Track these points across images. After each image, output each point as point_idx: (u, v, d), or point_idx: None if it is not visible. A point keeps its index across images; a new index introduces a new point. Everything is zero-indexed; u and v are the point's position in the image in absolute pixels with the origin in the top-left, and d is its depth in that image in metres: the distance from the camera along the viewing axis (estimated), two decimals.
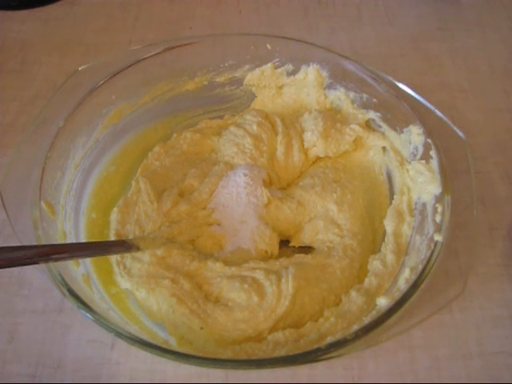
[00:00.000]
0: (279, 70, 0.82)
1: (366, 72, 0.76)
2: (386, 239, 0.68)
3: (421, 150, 0.70)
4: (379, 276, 0.64)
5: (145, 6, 1.09)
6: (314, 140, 0.77)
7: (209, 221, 0.72)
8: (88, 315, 0.54)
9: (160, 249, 0.67)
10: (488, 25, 1.05)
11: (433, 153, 0.68)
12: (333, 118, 0.79)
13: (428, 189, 0.67)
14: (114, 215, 0.71)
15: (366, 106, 0.78)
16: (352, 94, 0.79)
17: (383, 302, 0.58)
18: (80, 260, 0.63)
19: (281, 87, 0.85)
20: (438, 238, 0.60)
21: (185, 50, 0.78)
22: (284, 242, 0.74)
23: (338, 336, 0.56)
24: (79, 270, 0.63)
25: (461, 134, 0.69)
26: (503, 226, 0.76)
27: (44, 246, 0.58)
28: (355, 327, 0.56)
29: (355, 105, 0.79)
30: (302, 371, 0.63)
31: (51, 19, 1.06)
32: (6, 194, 0.60)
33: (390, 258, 0.65)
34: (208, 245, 0.71)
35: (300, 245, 0.73)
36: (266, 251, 0.70)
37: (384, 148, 0.77)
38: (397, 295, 0.57)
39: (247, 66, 0.82)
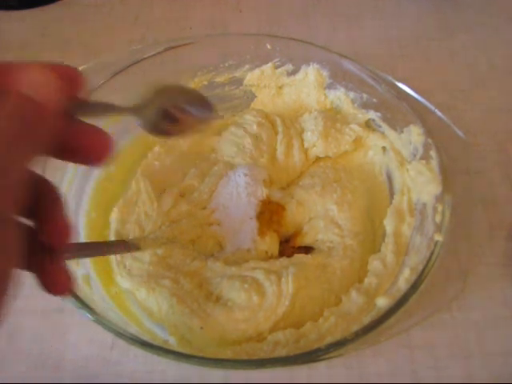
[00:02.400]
0: (279, 69, 0.82)
1: (366, 72, 0.76)
2: (385, 239, 0.68)
3: (421, 149, 0.70)
4: (379, 276, 0.64)
5: (145, 5, 1.09)
6: (314, 140, 0.77)
7: (209, 221, 0.72)
8: (88, 315, 0.54)
9: (160, 249, 0.67)
10: (488, 25, 1.05)
11: (433, 153, 0.67)
12: (333, 117, 0.79)
13: (428, 189, 0.66)
14: (114, 215, 0.71)
15: (365, 105, 0.78)
16: (352, 94, 0.79)
17: (383, 302, 0.58)
18: (80, 260, 0.63)
19: (281, 87, 0.85)
20: (438, 237, 0.60)
21: (185, 49, 0.78)
22: (284, 242, 0.74)
23: (338, 336, 0.56)
24: (79, 269, 0.63)
25: (461, 133, 0.69)
26: (503, 226, 0.75)
27: None
28: (355, 327, 0.56)
29: (355, 105, 0.79)
30: (302, 371, 0.63)
31: (51, 19, 1.06)
32: None
33: (389, 257, 0.65)
34: (208, 245, 0.71)
35: (300, 245, 0.73)
36: (266, 251, 0.70)
37: (384, 148, 0.77)
38: (397, 295, 0.57)
39: (247, 66, 0.82)
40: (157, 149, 0.79)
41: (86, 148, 0.36)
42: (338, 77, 0.80)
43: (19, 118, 0.30)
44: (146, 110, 0.44)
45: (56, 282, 0.38)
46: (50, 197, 0.39)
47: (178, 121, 0.47)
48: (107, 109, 0.40)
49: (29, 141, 0.30)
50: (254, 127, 0.79)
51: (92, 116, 0.39)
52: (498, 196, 0.79)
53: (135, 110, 0.44)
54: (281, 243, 0.72)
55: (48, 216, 0.38)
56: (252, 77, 0.83)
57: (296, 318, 0.63)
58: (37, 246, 0.38)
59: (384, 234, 0.69)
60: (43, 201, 0.38)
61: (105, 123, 0.75)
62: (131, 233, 0.70)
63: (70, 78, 0.35)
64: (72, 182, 0.70)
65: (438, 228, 0.61)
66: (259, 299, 0.62)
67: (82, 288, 0.59)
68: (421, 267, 0.58)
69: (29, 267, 0.37)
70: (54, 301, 0.68)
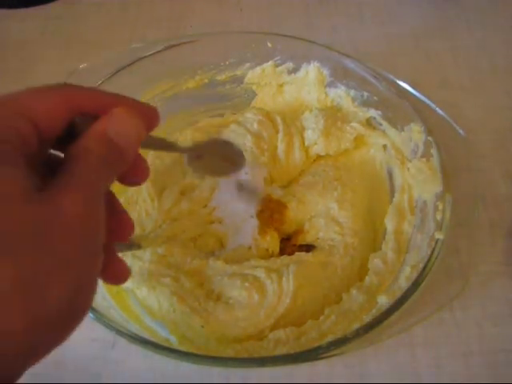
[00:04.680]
0: (280, 68, 0.82)
1: (367, 70, 0.76)
2: (386, 237, 0.68)
3: (421, 147, 0.70)
4: (380, 274, 0.64)
5: (145, 4, 1.09)
6: (314, 138, 0.77)
7: (210, 219, 0.72)
8: (89, 313, 0.54)
9: (161, 247, 0.67)
10: (489, 24, 1.05)
11: (433, 151, 0.67)
12: (333, 116, 0.78)
13: (429, 187, 0.66)
14: None
15: (366, 104, 0.78)
16: (353, 92, 0.79)
17: (384, 300, 0.58)
18: None
19: (281, 85, 0.85)
20: (438, 236, 0.60)
21: (185, 48, 0.78)
22: (285, 241, 0.74)
23: (339, 334, 0.56)
24: None
25: (461, 131, 0.69)
26: (504, 224, 0.75)
27: None
28: (356, 325, 0.56)
29: (356, 103, 0.79)
30: (303, 369, 0.64)
31: (51, 18, 1.06)
32: None
33: (390, 256, 0.65)
34: (209, 243, 0.71)
35: (301, 243, 0.73)
36: (267, 249, 0.70)
37: (385, 146, 0.77)
38: (397, 293, 0.57)
39: (248, 64, 0.82)
40: None
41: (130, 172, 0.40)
42: (339, 75, 0.80)
43: (107, 164, 0.35)
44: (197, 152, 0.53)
45: (118, 274, 0.43)
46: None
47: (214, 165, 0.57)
48: (168, 146, 0.46)
49: (110, 179, 0.36)
50: (255, 125, 0.79)
51: (152, 149, 0.43)
52: (499, 194, 0.79)
53: (188, 150, 0.52)
54: (281, 241, 0.73)
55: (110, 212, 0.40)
56: (253, 75, 0.83)
57: (297, 317, 0.63)
58: None
59: (385, 232, 0.70)
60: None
61: None
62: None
63: (149, 118, 0.40)
64: None
65: (439, 226, 0.61)
66: (260, 297, 0.62)
67: None
68: (421, 265, 0.58)
69: None
70: None
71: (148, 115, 0.40)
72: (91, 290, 0.34)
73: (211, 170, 0.58)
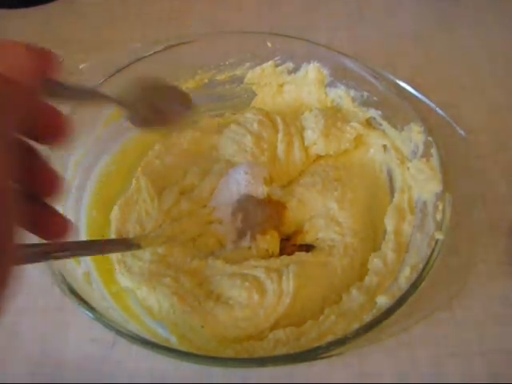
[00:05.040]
0: (280, 68, 0.82)
1: (367, 70, 0.76)
2: (386, 237, 0.68)
3: (421, 148, 0.70)
4: (380, 274, 0.64)
5: (145, 4, 1.09)
6: (314, 138, 0.77)
7: (210, 219, 0.72)
8: (89, 313, 0.54)
9: (161, 247, 0.67)
10: (490, 23, 1.05)
11: (433, 151, 0.67)
12: (333, 116, 0.78)
13: (429, 187, 0.66)
14: (115, 213, 0.71)
15: (366, 104, 0.78)
16: (353, 92, 0.79)
17: (384, 301, 0.58)
18: (81, 258, 0.63)
19: (281, 85, 0.85)
20: (438, 236, 0.60)
21: (185, 48, 0.78)
22: (285, 241, 0.74)
23: (339, 334, 0.56)
24: (80, 268, 0.63)
25: (461, 131, 0.69)
26: (504, 224, 0.75)
27: (44, 244, 0.58)
28: (356, 325, 0.56)
29: (356, 103, 0.79)
30: (303, 369, 0.63)
31: (51, 17, 1.06)
32: None
33: (390, 256, 0.65)
34: (209, 243, 0.71)
35: (301, 243, 0.73)
36: (267, 249, 0.70)
37: (385, 146, 0.77)
38: (397, 293, 0.57)
39: (248, 64, 0.82)
40: (157, 147, 0.79)
41: (44, 127, 0.37)
42: (339, 75, 0.80)
43: None
44: (134, 102, 0.45)
45: (54, 228, 0.40)
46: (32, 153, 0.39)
47: (163, 113, 0.48)
48: (91, 95, 0.41)
49: (7, 119, 0.31)
50: (255, 125, 0.79)
51: (73, 100, 0.39)
52: (499, 194, 0.79)
53: (122, 102, 0.45)
54: (281, 241, 0.72)
55: (35, 168, 0.38)
56: (253, 75, 0.83)
57: (296, 317, 0.63)
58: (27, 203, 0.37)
59: (384, 233, 0.69)
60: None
61: (106, 121, 0.75)
62: (132, 231, 0.70)
63: (45, 59, 0.38)
64: (72, 180, 0.71)
65: (439, 226, 0.61)
66: (260, 297, 0.62)
67: (82, 286, 0.60)
68: (421, 266, 0.58)
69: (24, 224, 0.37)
70: (55, 299, 0.68)
71: (40, 53, 0.37)
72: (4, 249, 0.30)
73: (158, 121, 0.51)
